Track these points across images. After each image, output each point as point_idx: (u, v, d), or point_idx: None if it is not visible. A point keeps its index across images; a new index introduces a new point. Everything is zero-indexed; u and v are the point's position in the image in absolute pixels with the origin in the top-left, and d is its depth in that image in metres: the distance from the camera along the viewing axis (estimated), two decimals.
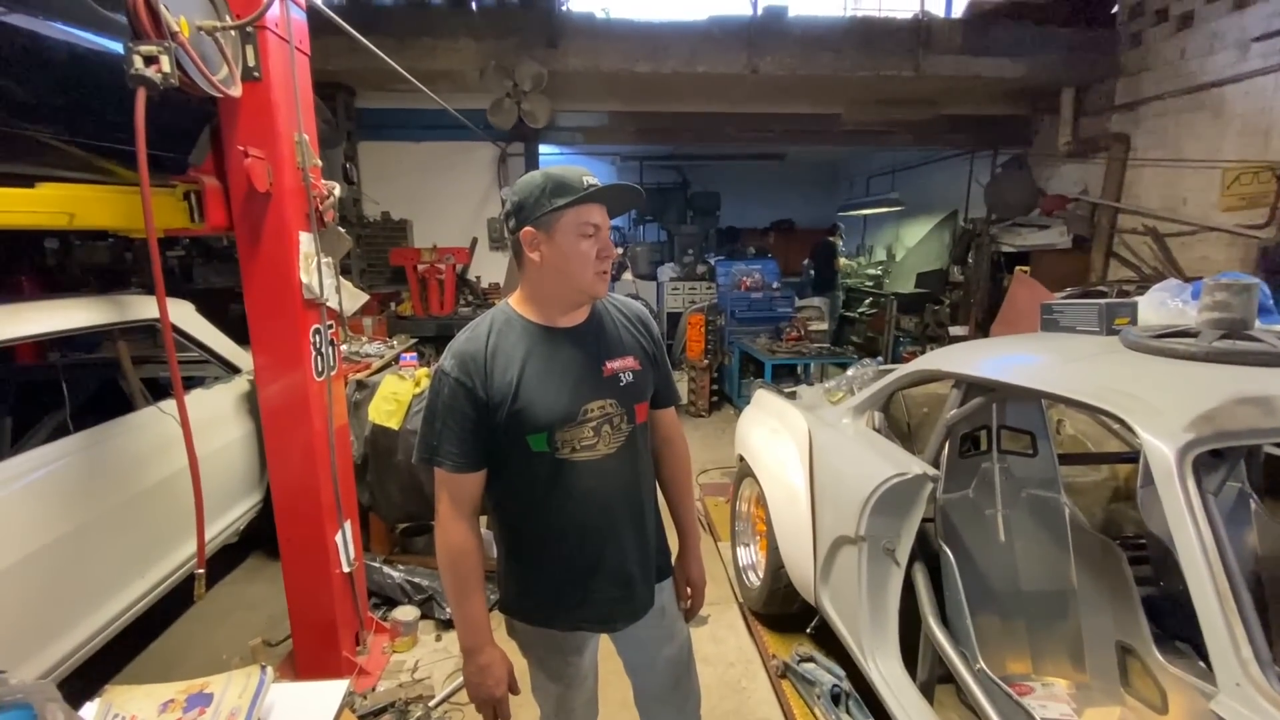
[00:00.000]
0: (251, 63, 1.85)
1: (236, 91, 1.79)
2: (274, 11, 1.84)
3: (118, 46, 2.05)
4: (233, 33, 1.76)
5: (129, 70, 1.45)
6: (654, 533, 1.40)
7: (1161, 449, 1.15)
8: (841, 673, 2.19)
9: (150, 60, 1.46)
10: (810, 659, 2.30)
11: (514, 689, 1.29)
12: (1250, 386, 1.25)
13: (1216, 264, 4.58)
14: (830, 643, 2.29)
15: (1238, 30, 4.41)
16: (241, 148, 1.88)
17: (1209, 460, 1.17)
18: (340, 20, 2.34)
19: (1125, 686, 1.73)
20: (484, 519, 1.34)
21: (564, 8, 5.06)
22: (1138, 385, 1.36)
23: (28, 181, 1.76)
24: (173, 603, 2.61)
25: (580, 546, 1.27)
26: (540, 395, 1.19)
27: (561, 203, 1.15)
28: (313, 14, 2.11)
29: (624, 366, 1.28)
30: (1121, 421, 1.28)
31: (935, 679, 1.77)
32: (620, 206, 1.27)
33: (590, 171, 1.20)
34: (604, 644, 1.48)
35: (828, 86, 5.49)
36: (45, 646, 1.93)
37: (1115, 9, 5.39)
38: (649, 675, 1.50)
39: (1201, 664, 1.60)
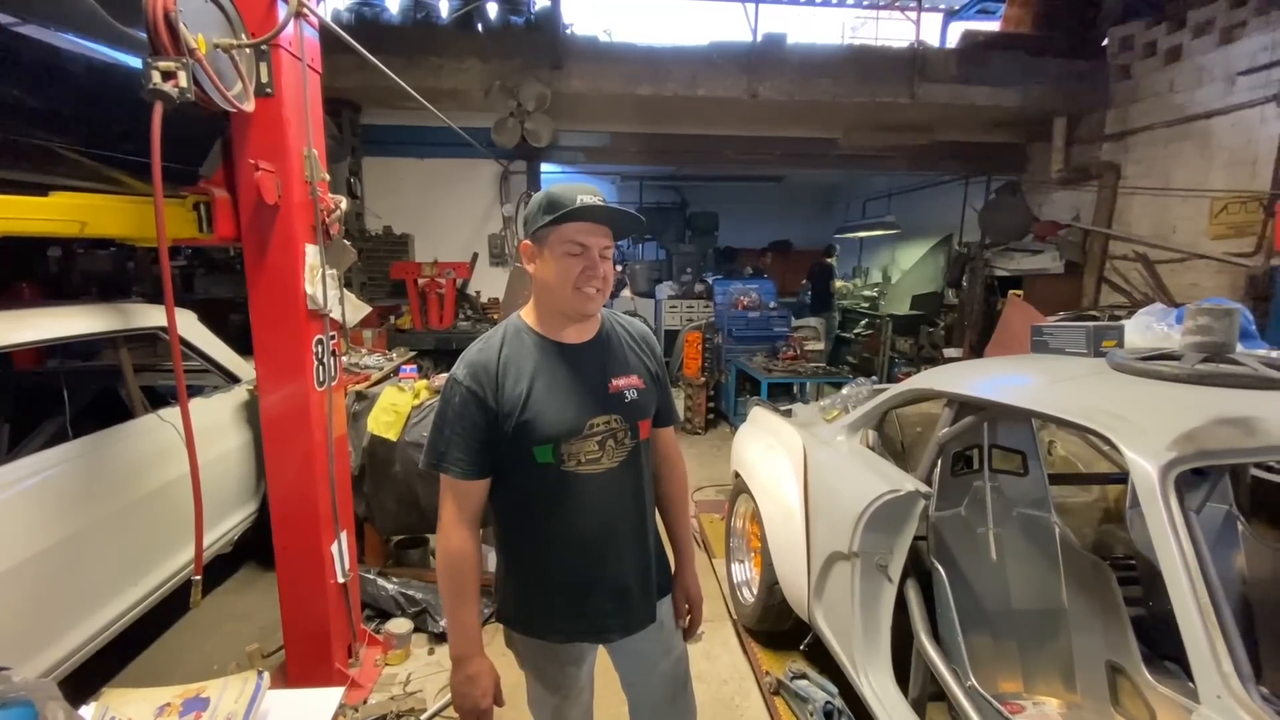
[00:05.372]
0: (265, 79, 1.90)
1: (250, 107, 1.83)
2: (288, 30, 1.90)
3: (132, 60, 2.11)
4: (248, 50, 1.81)
5: (147, 85, 1.49)
6: (654, 547, 1.41)
7: (1145, 466, 1.19)
8: (834, 689, 2.19)
9: (168, 75, 1.51)
10: (803, 676, 2.30)
11: (499, 701, 1.30)
12: (1231, 408, 1.28)
13: (1205, 290, 4.66)
14: (823, 660, 2.29)
15: (1224, 64, 4.54)
16: (252, 161, 1.92)
17: (1191, 478, 1.20)
18: (351, 40, 2.40)
19: (1115, 706, 1.74)
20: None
21: (568, 30, 5.18)
22: (1123, 406, 1.39)
23: (42, 190, 1.80)
24: (164, 612, 2.60)
25: (580, 558, 1.29)
26: (548, 408, 1.22)
27: (549, 219, 1.18)
28: (323, 32, 2.17)
29: (629, 384, 1.31)
30: (1107, 440, 1.31)
31: (927, 696, 1.78)
32: (620, 229, 1.26)
33: (595, 190, 1.21)
34: (600, 658, 1.48)
35: (825, 112, 5.61)
36: (38, 652, 1.92)
37: (1105, 42, 5.54)
38: (645, 690, 1.50)
39: (1191, 684, 1.61)
